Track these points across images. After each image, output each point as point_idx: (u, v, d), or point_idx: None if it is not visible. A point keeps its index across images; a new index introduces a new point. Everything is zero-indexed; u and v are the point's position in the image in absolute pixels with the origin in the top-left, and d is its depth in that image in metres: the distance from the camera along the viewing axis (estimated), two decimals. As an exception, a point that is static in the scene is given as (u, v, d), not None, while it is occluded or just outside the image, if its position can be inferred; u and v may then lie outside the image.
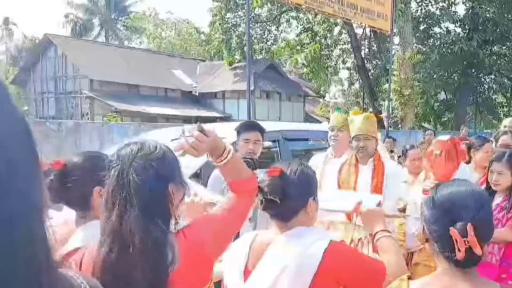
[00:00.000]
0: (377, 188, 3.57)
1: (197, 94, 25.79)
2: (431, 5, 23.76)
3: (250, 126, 3.50)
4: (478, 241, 1.38)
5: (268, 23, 25.48)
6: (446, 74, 24.08)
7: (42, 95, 24.53)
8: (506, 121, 6.22)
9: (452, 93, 25.52)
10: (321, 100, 30.08)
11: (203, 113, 24.03)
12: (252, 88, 24.35)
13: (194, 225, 1.63)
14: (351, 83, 27.76)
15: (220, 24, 24.09)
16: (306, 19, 25.19)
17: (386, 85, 18.08)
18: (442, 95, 25.93)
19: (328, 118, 7.60)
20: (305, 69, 24.72)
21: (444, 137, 3.86)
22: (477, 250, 1.38)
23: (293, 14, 24.88)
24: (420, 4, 23.64)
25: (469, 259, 1.40)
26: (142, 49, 29.82)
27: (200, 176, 4.56)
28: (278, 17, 25.14)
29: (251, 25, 24.48)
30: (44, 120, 11.65)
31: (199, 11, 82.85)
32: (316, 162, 4.25)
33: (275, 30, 26.20)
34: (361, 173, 3.78)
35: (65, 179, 1.84)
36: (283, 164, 1.88)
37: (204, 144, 1.70)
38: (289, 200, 1.79)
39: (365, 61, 25.10)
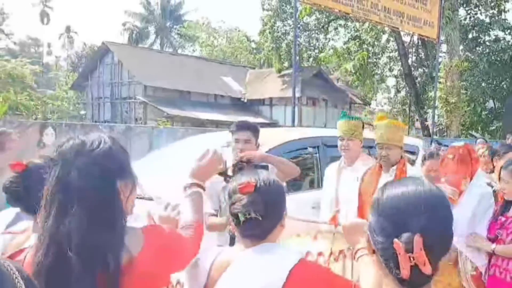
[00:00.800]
0: None
1: (245, 100, 26.57)
2: (480, 12, 23.59)
3: (239, 126, 3.43)
4: (429, 256, 1.15)
5: (316, 31, 25.95)
6: (494, 82, 23.79)
7: (99, 100, 25.92)
8: None
9: (500, 101, 25.17)
10: (366, 107, 30.26)
11: (251, 119, 24.65)
12: (298, 95, 25.06)
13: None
14: (398, 91, 27.82)
15: (270, 32, 24.79)
16: (353, 27, 25.51)
17: (432, 93, 18.23)
18: (490, 104, 25.57)
19: (371, 125, 7.83)
20: (352, 77, 25.05)
21: (459, 143, 3.79)
22: (425, 269, 1.15)
23: (341, 22, 25.25)
24: (469, 11, 23.52)
25: (415, 279, 1.18)
26: (194, 57, 30.95)
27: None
28: (326, 25, 25.57)
29: (299, 34, 25.23)
30: (98, 123, 12.54)
31: (250, 19, 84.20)
32: (329, 173, 4.27)
33: (323, 38, 26.63)
34: (381, 181, 3.62)
35: (24, 182, 1.82)
36: (245, 178, 1.69)
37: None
38: (270, 215, 1.63)
39: (412, 69, 25.15)
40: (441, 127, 20.36)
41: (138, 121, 23.07)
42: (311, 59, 26.75)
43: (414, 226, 1.16)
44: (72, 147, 1.40)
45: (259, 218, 1.59)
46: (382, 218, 1.23)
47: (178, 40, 38.56)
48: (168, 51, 32.77)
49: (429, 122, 21.74)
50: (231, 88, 26.90)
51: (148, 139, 9.73)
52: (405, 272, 1.16)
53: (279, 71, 25.85)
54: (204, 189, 1.97)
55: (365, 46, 24.76)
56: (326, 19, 25.14)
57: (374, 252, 1.29)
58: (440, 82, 17.63)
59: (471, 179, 3.55)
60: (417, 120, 25.75)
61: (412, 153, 5.98)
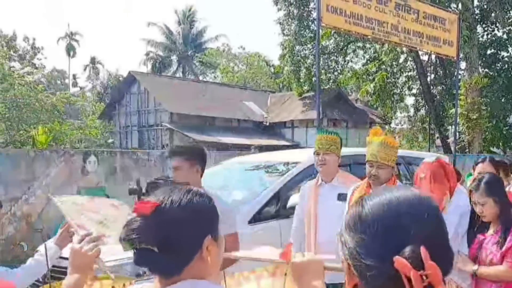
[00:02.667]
0: None
1: (267, 124, 27.17)
2: (498, 29, 23.96)
3: (171, 152, 3.24)
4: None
5: (335, 54, 26.56)
6: (514, 97, 24.04)
7: (126, 128, 26.74)
8: None
9: (522, 116, 25.30)
10: (386, 127, 30.55)
11: (273, 141, 25.28)
12: (321, 117, 25.45)
13: None
14: (417, 109, 28.11)
15: (289, 56, 25.46)
16: (373, 49, 26.03)
17: (453, 110, 18.56)
18: (510, 119, 25.72)
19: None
20: (371, 97, 25.47)
21: (430, 158, 3.55)
22: None
23: (359, 44, 25.84)
24: (485, 29, 23.89)
25: None
26: (216, 83, 31.77)
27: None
28: (345, 47, 26.16)
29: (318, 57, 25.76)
30: (136, 150, 13.13)
31: (269, 45, 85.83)
32: (304, 191, 4.11)
33: (341, 60, 27.20)
34: None
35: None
36: (162, 193, 1.29)
37: None
38: (172, 247, 1.21)
39: (431, 87, 25.50)
40: (462, 144, 20.59)
41: (164, 148, 23.74)
42: (330, 82, 27.28)
43: (415, 237, 0.95)
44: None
45: (152, 249, 1.19)
46: (369, 235, 0.99)
47: (199, 67, 39.59)
48: (191, 78, 33.72)
49: (450, 139, 21.99)
50: (254, 112, 27.54)
51: None
52: None
53: (300, 94, 26.44)
54: None
55: (384, 66, 25.25)
56: (344, 42, 25.74)
57: (354, 286, 1.05)
58: (460, 99, 17.96)
59: (451, 195, 3.36)
60: (437, 137, 25.99)
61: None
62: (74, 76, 46.77)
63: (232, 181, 6.10)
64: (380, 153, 3.41)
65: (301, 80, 26.14)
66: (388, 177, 3.48)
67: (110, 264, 2.13)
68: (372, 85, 21.52)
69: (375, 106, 27.18)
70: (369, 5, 12.83)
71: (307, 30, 25.58)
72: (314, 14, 25.64)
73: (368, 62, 26.30)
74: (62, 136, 12.38)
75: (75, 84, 47.40)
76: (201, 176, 3.19)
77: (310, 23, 25.68)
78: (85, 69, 42.27)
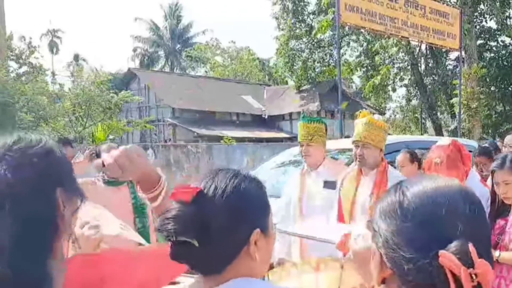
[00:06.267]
0: None
1: (266, 117, 27.62)
2: (485, 20, 24.84)
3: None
4: None
5: (329, 47, 27.13)
6: (503, 86, 25.10)
7: (127, 125, 26.72)
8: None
9: (509, 104, 26.44)
10: (382, 117, 31.31)
11: (273, 134, 25.79)
12: (317, 109, 26.07)
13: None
14: (409, 100, 28.94)
15: (284, 50, 25.93)
16: (365, 41, 26.63)
17: (454, 100, 19.41)
18: (500, 107, 26.82)
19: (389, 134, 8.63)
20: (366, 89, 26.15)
21: (445, 141, 3.40)
22: None
23: (354, 37, 26.50)
24: (475, 20, 24.77)
25: None
26: (212, 77, 32.09)
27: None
28: (340, 41, 26.70)
29: (314, 51, 26.38)
30: (188, 143, 13.55)
31: (259, 38, 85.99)
32: (291, 179, 4.01)
33: (336, 53, 27.80)
34: (362, 186, 3.37)
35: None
36: (205, 178, 1.15)
37: (133, 165, 1.34)
38: (214, 240, 1.07)
39: (423, 78, 26.36)
40: (463, 131, 21.47)
41: (167, 142, 23.94)
42: (326, 74, 27.84)
43: (462, 231, 0.88)
44: (4, 143, 1.00)
45: (193, 243, 1.05)
46: (412, 224, 0.92)
47: (188, 62, 39.73)
48: (190, 74, 33.83)
49: (449, 128, 22.90)
50: (252, 106, 27.95)
51: (225, 155, 10.70)
52: None
53: (298, 87, 26.96)
54: None
55: (377, 58, 25.92)
56: (339, 35, 26.24)
57: (383, 282, 0.99)
58: (454, 89, 18.82)
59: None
60: (429, 127, 26.92)
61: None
62: (53, 74, 46.06)
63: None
64: (364, 132, 3.29)
65: (296, 74, 26.71)
66: (375, 160, 3.34)
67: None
68: (379, 78, 22.15)
69: (367, 97, 27.89)
70: (382, 2, 13.62)
71: (302, 24, 26.06)
72: (309, 8, 26.28)
73: (362, 54, 27.00)
74: (119, 132, 12.87)
75: (54, 82, 46.60)
76: None
77: (305, 17, 26.21)
78: (68, 66, 41.73)
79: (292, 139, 24.72)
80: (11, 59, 13.46)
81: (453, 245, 0.86)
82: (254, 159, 9.73)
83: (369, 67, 26.58)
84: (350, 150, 5.54)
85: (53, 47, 41.87)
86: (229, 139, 13.29)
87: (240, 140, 24.26)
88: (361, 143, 3.30)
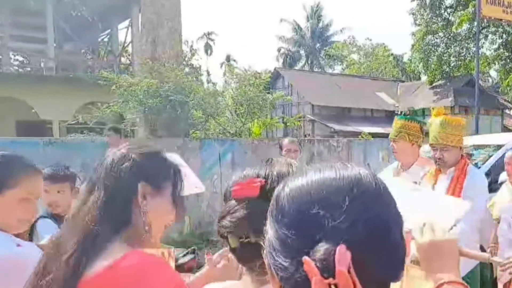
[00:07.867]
0: None
1: (399, 113, 28.68)
2: None
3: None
4: (365, 280, 0.67)
5: (466, 41, 27.17)
6: None
7: (280, 121, 29.56)
8: None
9: None
10: (516, 111, 30.40)
11: (406, 129, 26.80)
12: (452, 104, 26.46)
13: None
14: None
15: (420, 45, 26.63)
16: (504, 32, 26.25)
17: None
18: None
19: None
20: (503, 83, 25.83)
21: None
22: None
23: (492, 29, 26.28)
24: None
25: None
26: (349, 75, 33.65)
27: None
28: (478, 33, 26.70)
29: (450, 45, 26.67)
30: (326, 138, 15.25)
31: (395, 35, 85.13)
32: (384, 176, 3.46)
33: (473, 46, 27.82)
34: (438, 184, 3.27)
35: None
36: (253, 169, 1.06)
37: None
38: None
39: None
40: None
41: (306, 137, 26.30)
42: (461, 69, 28.00)
43: (334, 232, 0.68)
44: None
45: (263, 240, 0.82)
46: (284, 225, 0.73)
47: (326, 60, 41.78)
48: (329, 72, 35.88)
49: None
50: (385, 102, 29.19)
51: (363, 150, 11.90)
52: None
53: (431, 83, 27.58)
54: None
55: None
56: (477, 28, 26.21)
57: None
58: None
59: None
60: None
61: None
62: (208, 73, 50.81)
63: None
64: (440, 134, 3.17)
65: (431, 69, 27.26)
66: (455, 160, 3.24)
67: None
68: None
69: (505, 91, 27.40)
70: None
71: (439, 19, 26.57)
72: (447, 2, 26.61)
73: (500, 46, 26.65)
74: (271, 128, 14.73)
75: (209, 81, 51.28)
76: None
77: (442, 11, 26.67)
78: (221, 66, 45.94)
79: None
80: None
81: (319, 249, 0.67)
82: (389, 155, 9.70)
83: (509, 60, 26.05)
84: (486, 146, 6.24)
85: (207, 49, 46.39)
86: (366, 135, 14.88)
87: (373, 135, 25.62)
88: (439, 146, 3.21)
